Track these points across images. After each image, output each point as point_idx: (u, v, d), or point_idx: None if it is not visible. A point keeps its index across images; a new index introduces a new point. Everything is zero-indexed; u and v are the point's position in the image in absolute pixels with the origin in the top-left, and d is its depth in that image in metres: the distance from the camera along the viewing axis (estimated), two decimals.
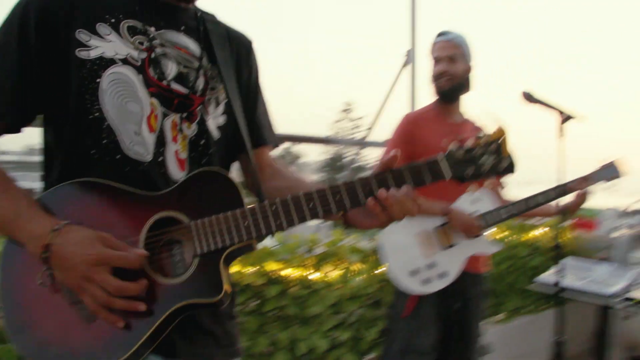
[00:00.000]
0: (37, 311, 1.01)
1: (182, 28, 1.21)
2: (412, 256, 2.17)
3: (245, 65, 1.33)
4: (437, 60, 2.40)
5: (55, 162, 1.13)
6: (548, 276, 3.67)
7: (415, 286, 2.14)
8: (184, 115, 1.16)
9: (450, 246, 2.21)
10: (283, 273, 2.58)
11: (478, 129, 2.41)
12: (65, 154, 1.11)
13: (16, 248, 1.03)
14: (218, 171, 1.11)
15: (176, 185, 1.09)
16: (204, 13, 1.28)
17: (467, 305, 2.33)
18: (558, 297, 4.11)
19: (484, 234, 2.28)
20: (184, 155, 1.16)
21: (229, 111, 1.25)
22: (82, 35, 1.08)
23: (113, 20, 1.11)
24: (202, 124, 1.19)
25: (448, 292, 2.19)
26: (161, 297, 1.01)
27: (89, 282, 0.96)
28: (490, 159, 1.06)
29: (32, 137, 1.23)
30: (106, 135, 1.08)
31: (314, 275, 2.69)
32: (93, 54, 1.08)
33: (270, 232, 1.05)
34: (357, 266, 2.89)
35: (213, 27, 1.27)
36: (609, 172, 2.41)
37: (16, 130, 1.11)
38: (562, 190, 2.35)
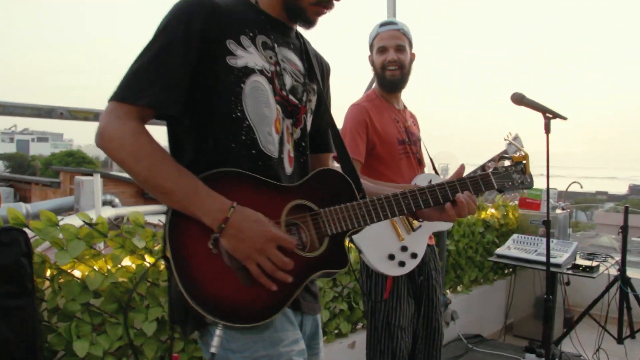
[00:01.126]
0: (206, 272, 1.19)
1: (292, 46, 1.44)
2: (386, 242, 2.30)
3: (326, 84, 1.61)
4: (385, 49, 2.45)
5: (188, 150, 1.29)
6: (502, 250, 4.20)
7: (393, 269, 2.30)
8: (294, 121, 1.40)
9: (417, 227, 2.37)
10: None
11: (413, 117, 2.65)
12: (203, 143, 1.27)
13: (185, 220, 1.19)
14: (335, 170, 1.42)
15: (304, 179, 1.36)
16: (300, 34, 1.51)
17: (428, 276, 2.52)
18: (512, 267, 4.67)
19: None
20: (292, 154, 1.40)
21: (316, 120, 1.54)
22: (231, 45, 1.26)
23: (251, 35, 1.31)
24: (304, 129, 1.45)
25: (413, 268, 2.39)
26: (303, 266, 1.29)
27: (261, 254, 1.18)
28: (518, 176, 1.51)
29: None
30: (245, 132, 1.28)
31: None
32: (240, 62, 1.27)
33: (378, 220, 1.39)
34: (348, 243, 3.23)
35: (309, 47, 1.53)
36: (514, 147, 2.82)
37: (172, 119, 1.29)
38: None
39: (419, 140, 2.64)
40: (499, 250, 4.18)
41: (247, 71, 1.28)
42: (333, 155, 1.68)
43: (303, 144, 1.45)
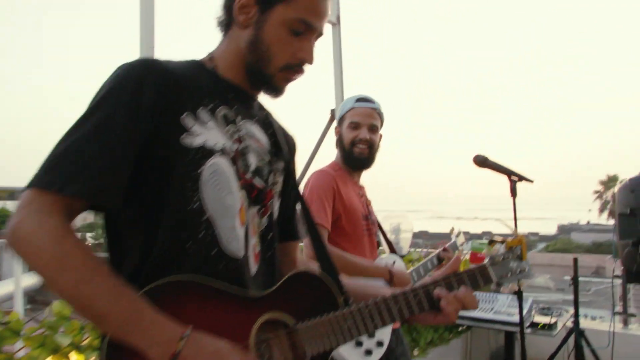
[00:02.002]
0: None
1: (255, 119, 1.22)
2: None
3: (292, 162, 1.37)
4: (358, 125, 2.34)
5: (131, 250, 1.04)
6: None
7: (360, 358, 2.06)
8: (260, 208, 1.17)
9: None
10: None
11: (367, 199, 2.50)
12: (150, 243, 1.02)
13: (126, 354, 0.93)
14: (312, 272, 1.18)
15: (277, 286, 1.11)
16: (262, 105, 1.30)
17: None
18: (469, 327, 4.52)
19: None
20: (258, 249, 1.17)
21: (283, 203, 1.29)
22: (187, 120, 1.04)
23: (211, 106, 1.09)
24: (271, 217, 1.21)
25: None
26: None
27: None
28: (516, 264, 1.32)
29: None
30: (204, 228, 1.04)
31: None
32: (197, 141, 1.04)
33: (366, 333, 1.16)
34: None
35: (273, 120, 1.31)
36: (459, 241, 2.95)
37: (101, 209, 1.03)
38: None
39: (375, 222, 2.51)
40: None
41: (206, 152, 1.06)
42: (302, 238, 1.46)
43: (270, 235, 1.22)
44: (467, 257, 4.91)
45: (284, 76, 1.16)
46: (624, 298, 5.07)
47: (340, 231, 2.26)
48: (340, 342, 1.12)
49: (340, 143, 2.41)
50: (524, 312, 3.84)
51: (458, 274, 1.26)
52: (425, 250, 4.54)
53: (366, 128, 2.33)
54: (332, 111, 4.44)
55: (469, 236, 3.02)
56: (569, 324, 4.01)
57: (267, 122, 1.28)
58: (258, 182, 1.17)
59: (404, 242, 3.82)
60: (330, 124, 4.51)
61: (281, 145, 1.28)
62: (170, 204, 1.02)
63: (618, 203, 3.69)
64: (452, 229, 2.96)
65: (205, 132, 1.07)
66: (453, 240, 2.92)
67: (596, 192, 48.91)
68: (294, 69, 1.16)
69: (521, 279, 1.32)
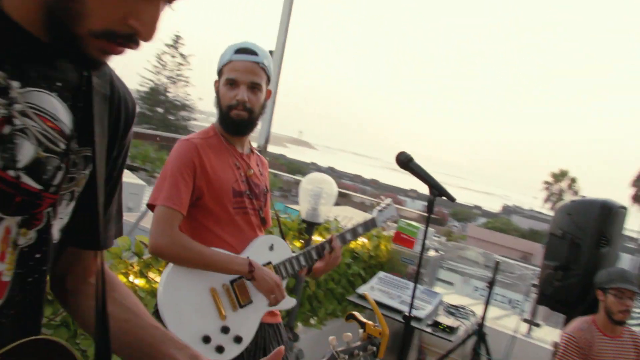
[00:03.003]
0: None
1: (58, 85, 0.80)
2: (202, 320, 1.83)
3: (119, 143, 0.94)
4: (235, 83, 1.93)
5: None
6: (365, 288, 3.86)
7: (208, 355, 1.88)
8: (25, 220, 0.78)
9: (246, 304, 1.93)
10: None
11: (262, 163, 2.19)
12: None
13: None
14: (59, 342, 0.78)
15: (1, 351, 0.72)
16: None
17: None
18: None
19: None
20: (7, 277, 0.77)
21: (83, 207, 0.88)
22: None
23: None
24: (45, 232, 0.82)
25: (250, 350, 1.94)
26: None
27: None
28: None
29: None
30: None
31: (139, 282, 2.45)
32: None
33: None
34: None
35: (100, 86, 0.87)
36: (387, 213, 2.44)
37: None
38: (348, 236, 2.28)
39: (265, 193, 2.13)
40: (361, 289, 3.82)
41: None
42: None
43: (39, 255, 0.82)
44: (392, 233, 4.73)
45: (99, 45, 0.74)
46: (534, 306, 5.05)
47: (205, 211, 1.94)
48: None
49: (217, 103, 2.01)
50: (432, 307, 3.71)
51: None
52: (343, 221, 4.26)
53: (245, 87, 1.94)
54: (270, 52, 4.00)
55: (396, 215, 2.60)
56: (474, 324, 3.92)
57: (79, 92, 0.84)
58: (29, 182, 0.77)
59: (323, 210, 3.54)
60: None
61: (94, 128, 0.85)
62: None
63: (553, 221, 3.50)
64: (382, 199, 2.55)
65: None
66: (375, 213, 2.46)
67: (546, 182, 50.16)
68: (119, 39, 0.74)
69: None
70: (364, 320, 1.31)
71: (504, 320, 7.37)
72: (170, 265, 1.88)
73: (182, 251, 1.82)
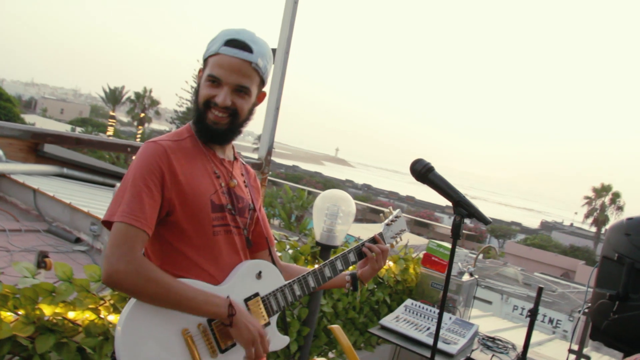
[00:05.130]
0: None
1: None
2: None
3: None
4: (218, 82, 1.58)
5: None
6: (389, 320, 3.41)
7: None
8: None
9: (228, 348, 1.57)
10: (66, 317, 1.95)
11: (248, 172, 1.85)
12: None
13: None
14: None
15: None
16: None
17: None
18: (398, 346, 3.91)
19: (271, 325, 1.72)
20: None
21: None
22: None
23: None
24: None
25: None
26: None
27: None
28: None
29: None
30: None
31: (113, 318, 2.09)
32: None
33: None
34: None
35: None
36: (397, 227, 2.05)
37: None
38: (357, 252, 1.91)
39: (251, 209, 1.75)
40: (385, 320, 3.38)
41: None
42: None
43: None
44: (420, 255, 4.27)
45: None
46: (582, 337, 4.50)
47: (177, 230, 1.57)
48: None
49: (194, 97, 1.63)
50: (465, 340, 3.25)
51: None
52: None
53: (229, 88, 1.58)
54: (273, 51, 3.64)
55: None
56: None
57: None
58: None
59: (340, 231, 3.13)
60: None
61: None
62: None
63: (606, 243, 3.01)
64: (390, 209, 2.10)
65: None
66: (382, 227, 2.03)
67: (586, 197, 48.43)
68: None
69: None
70: None
71: (547, 348, 6.78)
72: (132, 300, 1.49)
73: (145, 283, 1.42)
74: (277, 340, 1.73)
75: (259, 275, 1.68)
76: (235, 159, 1.78)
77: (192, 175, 1.58)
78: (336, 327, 2.42)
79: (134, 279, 1.41)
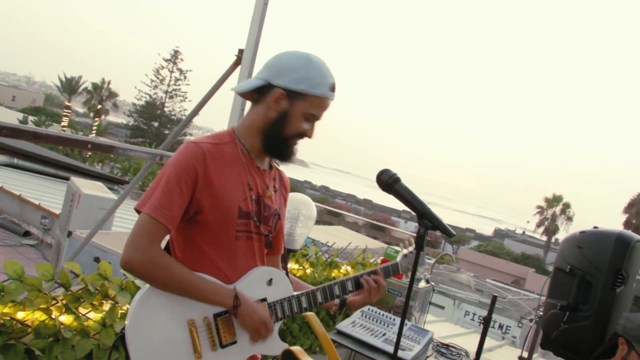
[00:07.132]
0: None
1: None
2: (173, 356, 1.57)
3: None
4: (315, 119, 1.73)
5: None
6: (346, 325, 3.42)
7: None
8: None
9: (229, 344, 1.65)
10: (15, 317, 1.87)
11: (282, 181, 1.91)
12: None
13: None
14: None
15: None
16: None
17: None
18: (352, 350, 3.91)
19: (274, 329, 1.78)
20: None
21: None
22: None
23: None
24: None
25: None
26: None
27: None
28: None
29: None
30: None
31: (65, 319, 2.02)
32: None
33: None
34: (127, 307, 2.27)
35: None
36: (412, 260, 2.05)
37: None
38: (356, 281, 1.96)
39: (277, 216, 1.81)
40: (341, 325, 3.38)
41: None
42: None
43: None
44: (378, 261, 4.30)
45: None
46: (532, 345, 4.63)
47: (202, 229, 1.65)
48: None
49: (276, 122, 1.68)
50: (420, 347, 3.28)
51: None
52: (325, 246, 3.85)
53: (315, 123, 1.75)
54: (241, 51, 3.59)
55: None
56: None
57: None
58: None
59: (300, 235, 3.12)
60: (235, 67, 3.69)
61: None
62: None
63: (560, 254, 3.09)
64: (406, 242, 2.18)
65: None
66: (399, 258, 2.13)
67: (539, 207, 49.84)
68: None
69: None
70: None
71: (497, 354, 6.93)
72: (147, 285, 1.60)
73: (159, 270, 1.55)
74: (276, 346, 1.80)
75: (269, 282, 1.77)
76: (271, 167, 1.84)
77: (225, 181, 1.64)
78: (311, 314, 2.45)
79: (148, 268, 1.54)
